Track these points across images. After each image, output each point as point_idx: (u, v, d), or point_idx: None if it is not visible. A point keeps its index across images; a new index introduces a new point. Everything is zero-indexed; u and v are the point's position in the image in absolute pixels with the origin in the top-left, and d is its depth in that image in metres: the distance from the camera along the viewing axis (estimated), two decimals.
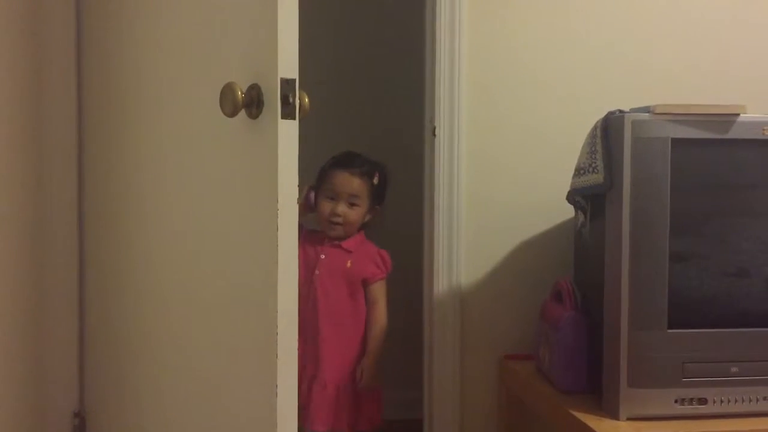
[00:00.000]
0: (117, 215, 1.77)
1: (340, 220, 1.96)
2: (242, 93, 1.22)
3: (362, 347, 1.96)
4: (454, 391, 1.93)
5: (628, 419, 1.53)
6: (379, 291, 1.98)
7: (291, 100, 1.20)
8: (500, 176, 1.94)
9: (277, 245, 1.20)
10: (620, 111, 1.58)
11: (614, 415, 1.54)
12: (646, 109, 1.55)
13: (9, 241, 1.71)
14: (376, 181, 2.00)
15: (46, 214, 1.84)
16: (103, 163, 1.82)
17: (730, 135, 1.54)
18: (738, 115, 1.55)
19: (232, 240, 1.37)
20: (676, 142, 1.52)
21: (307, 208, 2.01)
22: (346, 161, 2.00)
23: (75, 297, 1.86)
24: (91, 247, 1.86)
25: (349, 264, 1.96)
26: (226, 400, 1.39)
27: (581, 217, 1.74)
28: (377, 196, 2.02)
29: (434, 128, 1.92)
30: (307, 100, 1.25)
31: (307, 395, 1.92)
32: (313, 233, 2.01)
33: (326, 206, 1.97)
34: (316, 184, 2.01)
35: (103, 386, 1.85)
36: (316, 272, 1.95)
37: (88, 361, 1.88)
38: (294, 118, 1.21)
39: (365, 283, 1.97)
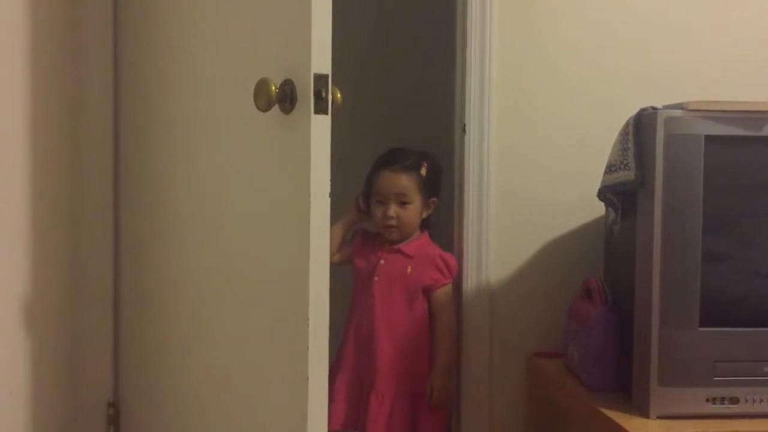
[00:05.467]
0: (151, 209, 1.81)
1: (393, 222, 1.86)
2: (276, 88, 1.24)
3: (424, 359, 1.87)
4: (483, 388, 1.93)
5: (659, 417, 1.52)
6: (443, 299, 1.85)
7: (324, 95, 1.22)
8: (530, 173, 1.94)
9: (309, 237, 1.22)
10: (653, 107, 1.57)
11: (644, 414, 1.53)
12: (680, 106, 1.53)
13: (46, 235, 1.75)
14: (423, 172, 1.88)
15: (83, 208, 1.87)
16: (139, 157, 1.85)
17: (765, 132, 1.52)
18: None
19: (264, 232, 1.39)
20: (710, 139, 1.50)
21: (363, 214, 1.93)
22: (388, 159, 1.90)
23: (110, 288, 1.89)
24: (126, 240, 1.89)
25: (409, 270, 1.86)
26: (258, 389, 1.41)
27: (612, 215, 1.73)
28: (430, 188, 1.90)
29: (464, 125, 1.92)
30: (339, 95, 1.27)
31: (365, 407, 1.83)
32: (376, 237, 1.92)
33: (378, 211, 1.87)
34: (364, 189, 1.93)
35: (137, 377, 1.88)
36: (375, 278, 1.85)
37: (123, 351, 1.91)
38: (327, 113, 1.23)
39: (428, 291, 1.86)
